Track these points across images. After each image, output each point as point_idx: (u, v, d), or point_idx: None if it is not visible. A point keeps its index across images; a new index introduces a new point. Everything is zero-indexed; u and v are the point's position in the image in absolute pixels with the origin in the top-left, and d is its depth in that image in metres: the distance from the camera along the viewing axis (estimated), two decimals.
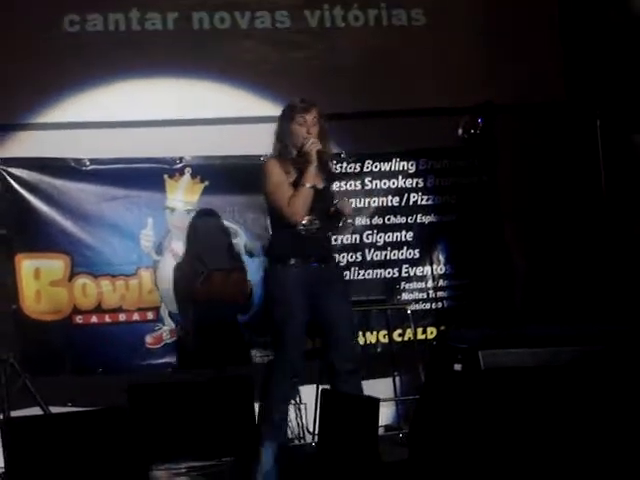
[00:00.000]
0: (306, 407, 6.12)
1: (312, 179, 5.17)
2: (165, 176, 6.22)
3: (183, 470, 4.63)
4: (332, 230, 5.40)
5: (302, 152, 5.19)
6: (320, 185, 5.25)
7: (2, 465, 4.11)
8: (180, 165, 6.25)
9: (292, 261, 5.19)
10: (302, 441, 6.14)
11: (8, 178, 6.01)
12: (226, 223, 6.26)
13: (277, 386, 5.16)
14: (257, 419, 5.10)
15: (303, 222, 5.14)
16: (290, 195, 5.16)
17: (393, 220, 6.56)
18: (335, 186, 6.39)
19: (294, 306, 5.15)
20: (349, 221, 5.49)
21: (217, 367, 6.01)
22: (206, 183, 6.25)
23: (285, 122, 5.26)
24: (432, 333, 6.54)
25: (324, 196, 5.27)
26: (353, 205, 6.43)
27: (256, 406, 4.99)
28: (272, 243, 5.40)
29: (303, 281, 5.18)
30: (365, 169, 6.53)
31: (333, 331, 5.23)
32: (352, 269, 6.47)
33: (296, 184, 5.18)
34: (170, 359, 6.16)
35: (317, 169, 5.20)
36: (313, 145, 5.17)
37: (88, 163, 6.13)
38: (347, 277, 6.38)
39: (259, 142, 5.44)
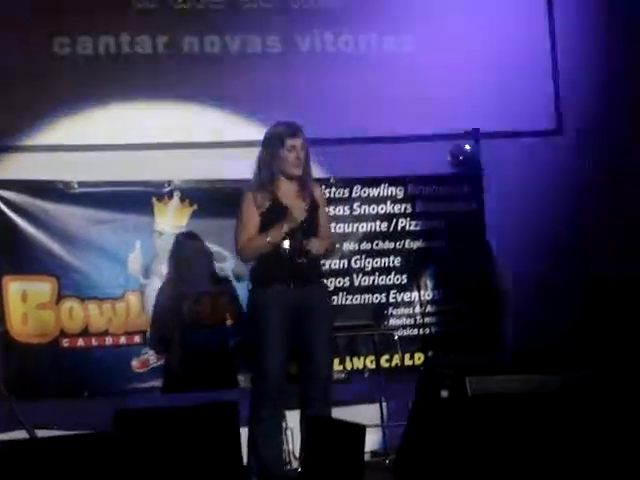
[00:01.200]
0: (292, 432, 6.09)
1: (277, 236, 5.12)
2: (154, 199, 6.21)
3: None
4: (314, 255, 5.31)
5: (283, 207, 5.15)
6: (301, 216, 5.19)
7: None
8: (169, 189, 6.25)
9: (274, 285, 5.17)
10: (289, 467, 6.11)
11: None
12: (214, 247, 6.25)
13: (262, 419, 5.14)
14: (247, 449, 5.08)
15: (284, 246, 5.13)
16: (250, 237, 5.16)
17: (381, 245, 6.56)
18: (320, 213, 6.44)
19: (275, 331, 5.11)
20: (334, 247, 5.46)
21: (203, 391, 6.01)
22: (195, 207, 6.24)
23: (273, 148, 5.21)
24: (419, 359, 6.54)
25: (309, 223, 5.24)
26: (341, 230, 6.46)
27: (243, 431, 4.97)
28: (255, 266, 5.35)
29: (284, 305, 5.14)
30: (354, 194, 6.53)
31: (309, 358, 5.19)
32: (340, 294, 6.46)
33: (265, 218, 5.16)
34: (156, 383, 6.13)
35: (298, 193, 5.19)
36: (298, 212, 5.13)
37: (76, 186, 6.11)
38: (334, 302, 6.38)
39: (248, 166, 5.43)
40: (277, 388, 5.12)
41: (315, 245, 5.25)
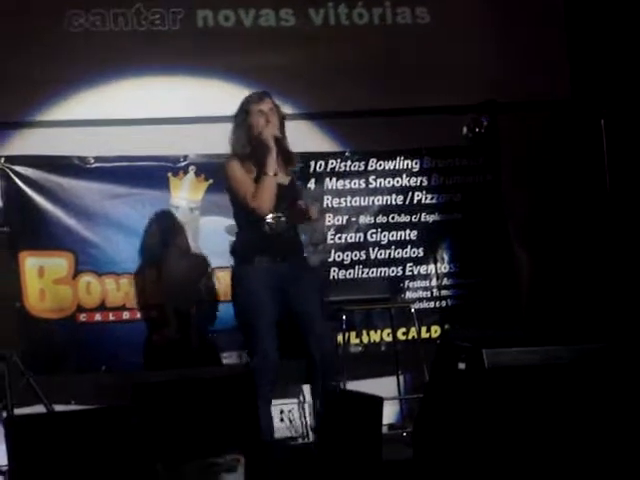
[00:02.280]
0: (310, 406, 6.11)
1: (273, 167, 5.03)
2: (169, 174, 6.23)
3: (187, 467, 4.63)
4: (296, 228, 5.25)
5: (259, 141, 5.06)
6: (285, 181, 5.16)
7: (6, 463, 4.11)
8: (184, 163, 6.26)
9: (257, 260, 5.11)
10: (306, 439, 6.14)
11: (12, 176, 6.02)
12: (230, 221, 6.25)
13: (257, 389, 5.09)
14: None
15: (268, 220, 5.07)
16: (254, 190, 5.06)
17: (397, 219, 6.55)
18: (339, 184, 6.43)
19: (261, 305, 5.04)
20: (318, 223, 5.40)
21: (221, 365, 6.03)
22: (210, 181, 6.25)
23: (241, 116, 5.14)
24: (436, 332, 6.54)
25: (289, 191, 5.18)
26: (357, 203, 6.45)
27: None
28: (237, 242, 5.28)
29: (270, 280, 5.07)
30: (369, 167, 6.53)
31: (307, 331, 5.10)
32: (356, 267, 6.47)
33: (257, 179, 5.05)
34: (174, 357, 6.15)
35: (278, 159, 5.07)
36: (269, 132, 5.04)
37: (92, 161, 6.13)
38: (351, 275, 6.39)
39: None
40: (269, 364, 5.06)
41: (313, 208, 5.22)
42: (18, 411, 5.61)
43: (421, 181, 6.59)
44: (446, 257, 6.63)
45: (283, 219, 5.08)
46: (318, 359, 5.08)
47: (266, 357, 5.02)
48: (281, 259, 5.13)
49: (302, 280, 5.17)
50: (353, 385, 5.40)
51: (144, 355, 6.11)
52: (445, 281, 6.61)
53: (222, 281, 6.21)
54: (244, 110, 5.16)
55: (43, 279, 6.01)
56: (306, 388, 6.11)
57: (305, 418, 6.15)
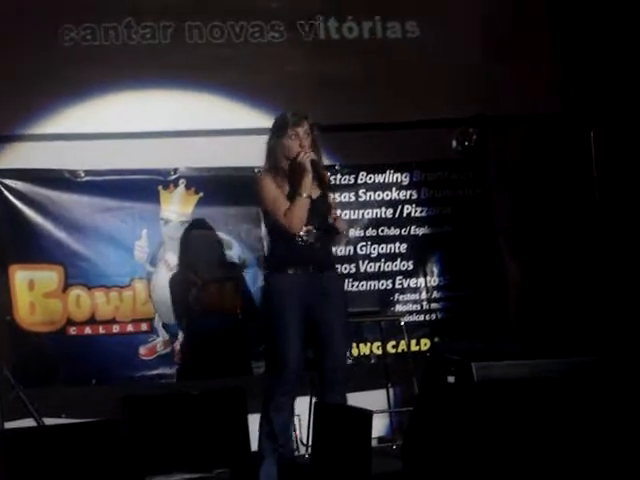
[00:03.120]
0: (300, 419, 6.11)
1: (308, 189, 5.12)
2: (159, 187, 6.23)
3: None
4: (328, 241, 5.35)
5: (296, 164, 5.15)
6: (315, 195, 5.25)
7: None
8: (174, 176, 6.27)
9: (290, 271, 5.16)
10: (296, 453, 6.13)
11: (2, 189, 6.03)
12: (220, 234, 6.27)
13: (277, 400, 5.07)
14: (259, 434, 5.08)
15: (301, 233, 5.13)
16: (287, 207, 5.13)
17: (387, 232, 6.57)
18: (330, 198, 6.44)
19: (292, 316, 5.07)
20: (344, 236, 5.46)
21: (211, 378, 6.02)
22: (200, 194, 6.26)
23: (277, 136, 5.21)
24: (426, 345, 6.55)
25: (320, 206, 5.24)
26: (347, 217, 6.46)
27: (254, 417, 4.97)
28: (270, 254, 5.36)
29: (301, 291, 5.11)
30: (359, 181, 6.55)
31: (327, 344, 5.15)
32: (346, 280, 6.47)
33: (291, 197, 5.15)
34: (164, 370, 6.15)
35: (313, 179, 5.18)
36: (307, 156, 5.14)
37: (83, 174, 6.14)
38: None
39: (253, 154, 5.43)
40: (296, 375, 5.10)
41: (342, 222, 5.28)
42: (8, 425, 5.61)
43: (411, 194, 6.61)
44: (436, 270, 6.64)
45: (315, 232, 5.12)
46: (332, 372, 5.12)
47: (290, 370, 5.04)
48: (313, 270, 5.16)
49: (331, 293, 5.21)
50: None
51: (134, 369, 6.11)
52: (435, 294, 6.62)
53: (212, 294, 6.22)
54: (281, 131, 5.21)
55: (33, 292, 6.01)
56: (298, 401, 6.11)
57: (295, 431, 6.14)
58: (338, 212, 5.56)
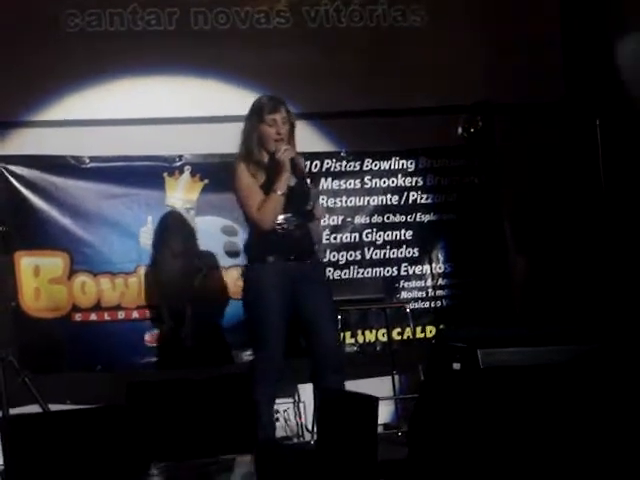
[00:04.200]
0: (305, 405, 6.12)
1: (284, 187, 5.06)
2: (165, 174, 6.23)
3: (182, 468, 4.63)
4: (307, 227, 5.26)
5: (274, 159, 5.09)
6: (292, 182, 5.16)
7: (1, 462, 4.12)
8: (180, 163, 6.26)
9: (270, 259, 5.11)
10: (301, 439, 6.14)
11: (8, 175, 6.03)
12: (225, 221, 6.26)
13: (261, 389, 5.03)
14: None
15: (279, 221, 5.08)
16: (261, 200, 5.08)
17: (392, 219, 6.56)
18: (334, 184, 6.44)
19: (273, 305, 5.05)
20: (320, 223, 5.45)
21: (216, 365, 6.03)
22: (205, 181, 6.26)
23: (253, 122, 5.15)
24: (431, 332, 6.55)
25: (298, 192, 5.19)
26: (352, 204, 6.46)
27: None
28: (249, 241, 5.30)
29: (282, 279, 5.09)
30: (365, 167, 6.54)
31: (315, 330, 5.13)
32: (351, 267, 6.48)
33: (265, 188, 5.09)
34: (169, 357, 6.16)
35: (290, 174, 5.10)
36: (286, 153, 5.07)
37: (88, 161, 6.14)
38: (346, 276, 6.40)
39: None
40: (279, 365, 5.08)
41: (319, 209, 5.28)
42: (13, 411, 5.62)
43: (416, 181, 6.60)
44: (441, 257, 6.64)
45: (293, 219, 5.10)
46: (323, 358, 5.10)
47: (272, 357, 5.04)
48: (293, 258, 5.15)
49: (313, 279, 5.21)
50: (348, 385, 5.39)
51: (139, 355, 6.12)
52: (440, 281, 6.62)
53: (217, 281, 6.22)
54: (257, 116, 5.16)
55: (38, 278, 6.02)
56: (301, 388, 6.11)
57: (300, 418, 6.15)
58: (319, 199, 5.54)
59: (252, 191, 5.10)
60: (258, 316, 5.10)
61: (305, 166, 5.44)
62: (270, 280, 5.09)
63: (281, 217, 5.09)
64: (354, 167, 6.52)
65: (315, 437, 5.83)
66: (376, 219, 6.55)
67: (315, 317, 5.15)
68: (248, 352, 6.20)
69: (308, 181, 5.32)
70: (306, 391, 5.88)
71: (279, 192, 5.05)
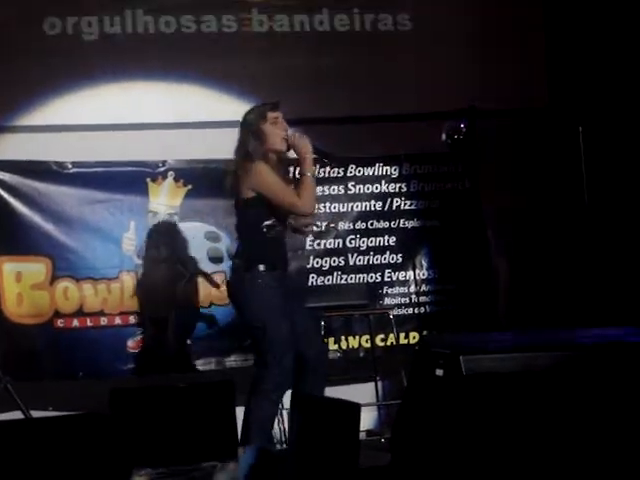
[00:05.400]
0: (288, 412, 6.10)
1: (312, 168, 5.07)
2: (148, 180, 6.22)
3: (164, 475, 4.61)
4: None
5: (293, 145, 5.08)
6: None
7: None
8: (163, 169, 6.25)
9: (261, 267, 5.03)
10: (284, 446, 6.13)
11: None
12: (208, 227, 6.25)
13: (270, 400, 5.04)
14: (242, 425, 5.07)
15: (267, 223, 5.05)
16: (294, 190, 5.06)
17: (376, 225, 6.56)
18: (318, 190, 6.43)
19: (284, 315, 5.01)
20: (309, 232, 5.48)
21: (199, 371, 6.02)
22: (189, 187, 6.25)
23: (256, 124, 5.11)
24: (414, 338, 6.55)
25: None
26: (336, 210, 6.47)
27: (237, 411, 4.96)
28: (240, 250, 5.22)
29: (276, 287, 5.06)
30: (348, 173, 6.54)
31: (304, 339, 5.11)
32: (335, 274, 6.48)
33: (290, 181, 5.12)
34: (151, 363, 6.13)
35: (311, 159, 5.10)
36: (300, 138, 5.09)
37: (70, 166, 6.12)
38: (329, 282, 6.41)
39: None
40: (291, 370, 5.06)
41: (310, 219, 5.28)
42: None
43: (400, 187, 6.61)
44: (425, 263, 6.64)
45: (279, 228, 5.08)
46: (310, 361, 5.10)
47: (280, 362, 5.00)
48: (281, 267, 5.14)
49: (295, 291, 5.21)
50: (331, 391, 5.39)
51: (121, 361, 6.10)
52: (423, 287, 6.62)
53: (200, 287, 6.21)
54: (260, 117, 5.13)
55: (21, 284, 5.99)
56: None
57: (283, 424, 6.14)
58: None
59: (281, 184, 5.08)
60: (272, 324, 5.01)
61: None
62: (279, 289, 5.06)
63: (267, 222, 5.05)
64: (338, 173, 6.51)
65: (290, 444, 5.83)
66: (360, 225, 6.55)
67: (306, 327, 5.16)
68: (232, 358, 6.21)
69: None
70: (289, 398, 5.86)
71: (309, 174, 5.06)
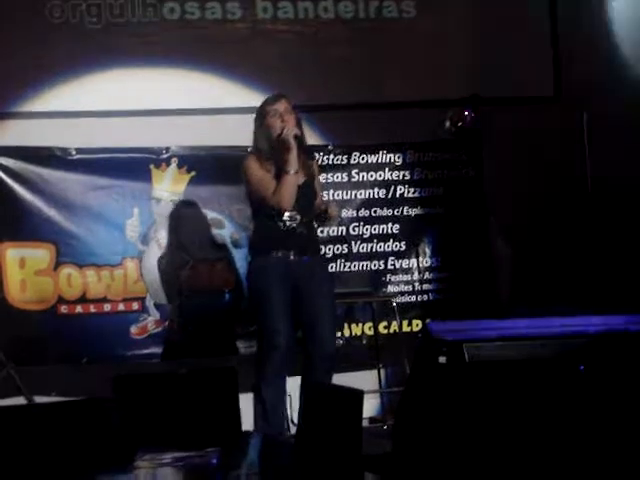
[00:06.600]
0: (291, 399, 6.10)
1: (294, 165, 5.09)
2: (151, 166, 6.21)
3: (167, 460, 4.62)
4: (312, 227, 5.32)
5: (279, 141, 5.12)
6: (300, 181, 5.20)
7: None
8: (166, 155, 6.24)
9: (273, 254, 5.15)
10: (287, 433, 6.13)
11: None
12: (212, 214, 6.25)
13: (269, 384, 5.10)
14: (254, 413, 5.09)
15: (284, 217, 5.09)
16: (274, 186, 5.11)
17: (379, 212, 6.56)
18: (322, 178, 6.43)
19: (277, 298, 5.10)
20: (335, 220, 5.48)
21: (202, 358, 6.02)
22: (192, 173, 6.25)
23: (260, 118, 5.22)
24: (417, 325, 6.55)
25: (306, 192, 5.23)
26: (340, 197, 6.46)
27: (246, 397, 4.97)
28: (254, 236, 5.38)
29: (284, 274, 5.13)
30: (352, 161, 6.53)
31: (313, 327, 5.17)
32: (338, 261, 6.48)
33: (277, 176, 5.12)
34: (155, 349, 6.15)
35: (297, 157, 5.12)
36: (290, 131, 5.11)
37: (74, 152, 6.12)
38: (333, 269, 6.40)
39: (246, 133, 5.42)
40: (286, 353, 5.10)
41: (334, 210, 5.31)
42: None
43: (404, 175, 6.60)
44: (428, 251, 6.64)
45: (298, 217, 5.10)
46: (316, 361, 5.15)
47: (278, 346, 5.05)
48: (296, 254, 5.16)
49: (315, 278, 5.23)
50: (334, 378, 5.39)
51: (125, 348, 6.11)
52: (427, 275, 6.62)
53: (204, 273, 6.22)
54: (261, 112, 5.23)
55: (24, 270, 6.00)
56: (289, 381, 6.10)
57: (286, 411, 6.14)
58: (325, 197, 5.56)
59: (263, 180, 5.14)
60: (265, 308, 5.13)
61: (315, 169, 5.46)
62: (274, 274, 5.12)
63: (286, 215, 5.09)
64: (341, 161, 6.51)
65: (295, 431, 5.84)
66: (363, 213, 6.54)
67: (313, 318, 5.18)
68: (237, 344, 6.21)
69: (321, 179, 5.36)
70: (292, 384, 5.86)
71: (291, 171, 5.08)
